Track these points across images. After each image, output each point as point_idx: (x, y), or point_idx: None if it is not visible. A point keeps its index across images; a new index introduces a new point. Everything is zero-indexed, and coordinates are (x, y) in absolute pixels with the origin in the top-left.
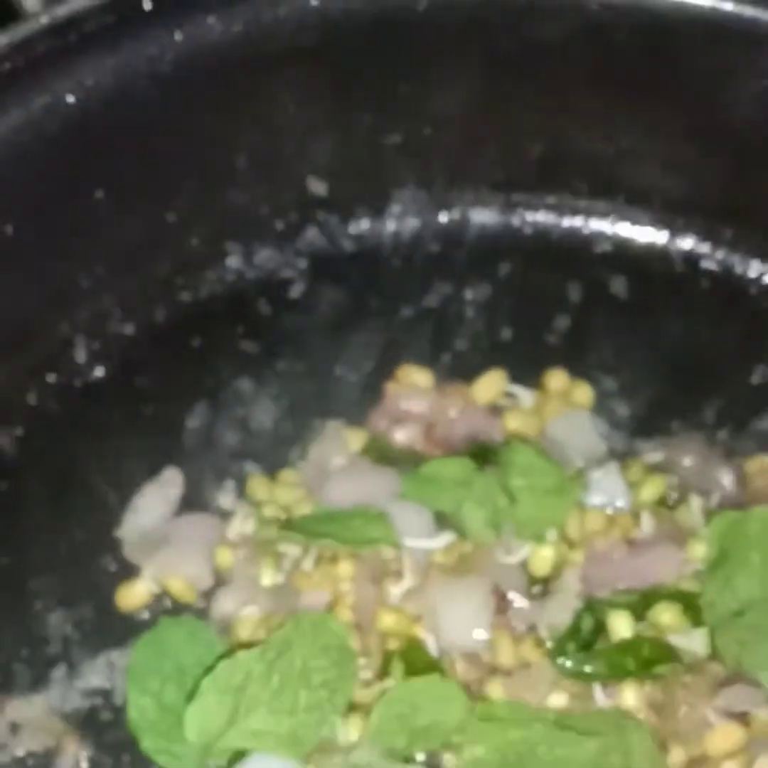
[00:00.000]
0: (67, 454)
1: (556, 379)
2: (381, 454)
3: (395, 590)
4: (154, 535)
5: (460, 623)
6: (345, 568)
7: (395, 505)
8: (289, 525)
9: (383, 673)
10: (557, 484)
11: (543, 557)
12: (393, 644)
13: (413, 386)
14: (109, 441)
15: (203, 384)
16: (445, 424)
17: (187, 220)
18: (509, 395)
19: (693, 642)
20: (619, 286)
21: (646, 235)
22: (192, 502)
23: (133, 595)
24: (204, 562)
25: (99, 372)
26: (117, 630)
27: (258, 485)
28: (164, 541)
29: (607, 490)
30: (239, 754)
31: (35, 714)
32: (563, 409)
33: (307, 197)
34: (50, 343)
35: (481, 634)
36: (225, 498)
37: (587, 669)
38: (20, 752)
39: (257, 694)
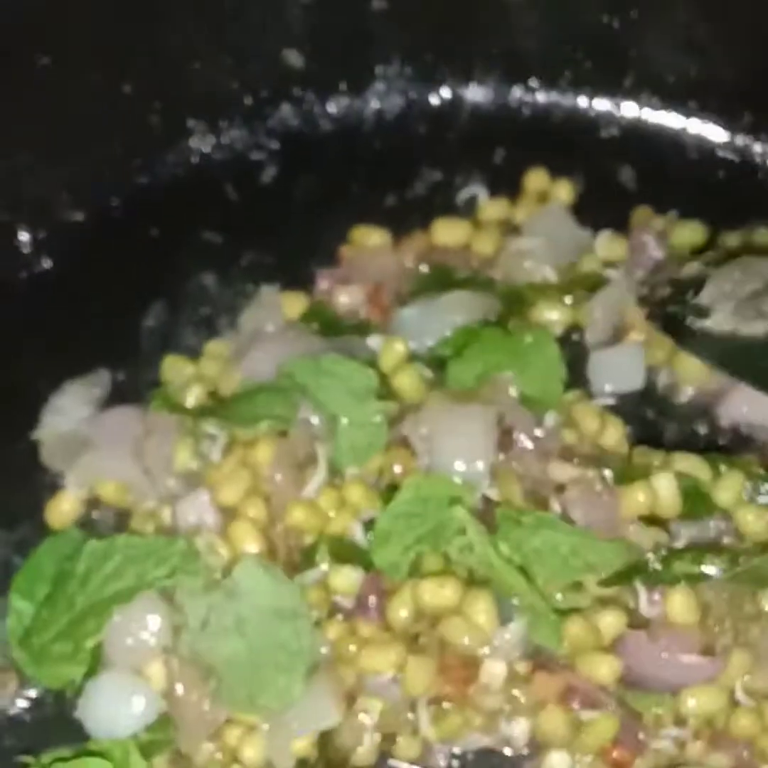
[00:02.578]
0: (10, 355)
1: (536, 178)
2: (324, 321)
3: (312, 484)
4: (74, 438)
5: (460, 451)
6: (263, 452)
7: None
8: (200, 407)
9: (306, 563)
10: None
11: None
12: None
13: (367, 247)
14: (56, 341)
15: (161, 279)
16: (395, 281)
17: (145, 93)
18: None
19: None
20: (626, 175)
21: (657, 119)
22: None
23: (62, 509)
24: (132, 459)
25: (45, 264)
26: None
27: (173, 364)
28: (87, 443)
29: None
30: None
31: None
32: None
33: (282, 70)
34: None
35: (481, 466)
36: None
37: None
38: None
39: None
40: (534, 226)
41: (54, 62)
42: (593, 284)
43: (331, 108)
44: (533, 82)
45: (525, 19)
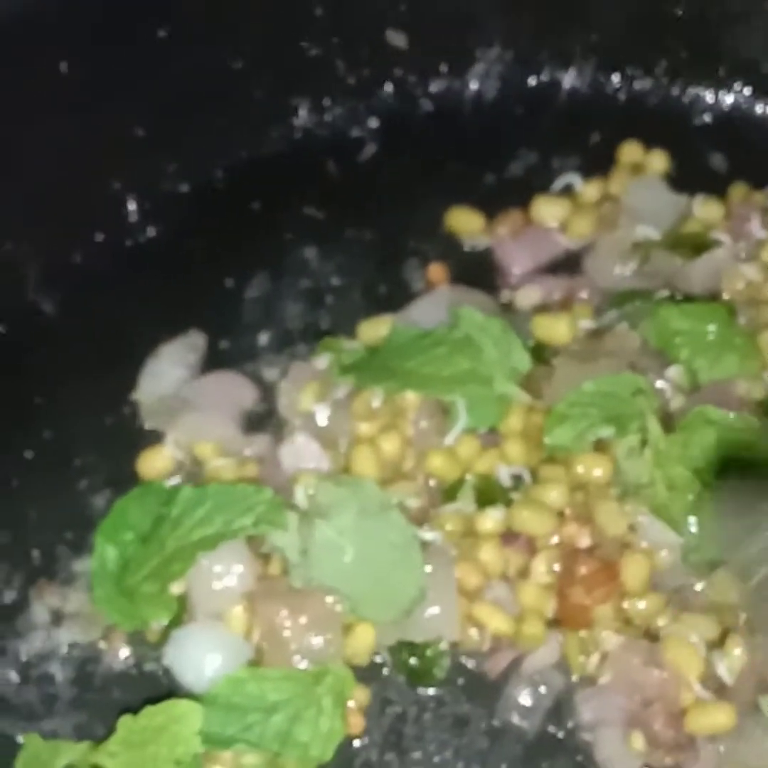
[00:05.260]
0: (114, 319)
1: (630, 150)
2: None
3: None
4: (173, 400)
5: None
6: (411, 398)
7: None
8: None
9: (448, 497)
10: None
11: None
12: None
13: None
14: (157, 308)
15: (263, 251)
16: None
17: (253, 68)
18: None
19: None
20: (717, 162)
21: (750, 107)
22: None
23: (155, 464)
24: (231, 421)
25: (150, 232)
26: None
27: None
28: (186, 405)
29: None
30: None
31: (80, 603)
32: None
33: (385, 51)
34: (99, 199)
35: None
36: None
37: None
38: (64, 643)
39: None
40: (631, 194)
41: (170, 36)
42: (698, 245)
43: (432, 88)
44: (630, 70)
45: (624, 8)
